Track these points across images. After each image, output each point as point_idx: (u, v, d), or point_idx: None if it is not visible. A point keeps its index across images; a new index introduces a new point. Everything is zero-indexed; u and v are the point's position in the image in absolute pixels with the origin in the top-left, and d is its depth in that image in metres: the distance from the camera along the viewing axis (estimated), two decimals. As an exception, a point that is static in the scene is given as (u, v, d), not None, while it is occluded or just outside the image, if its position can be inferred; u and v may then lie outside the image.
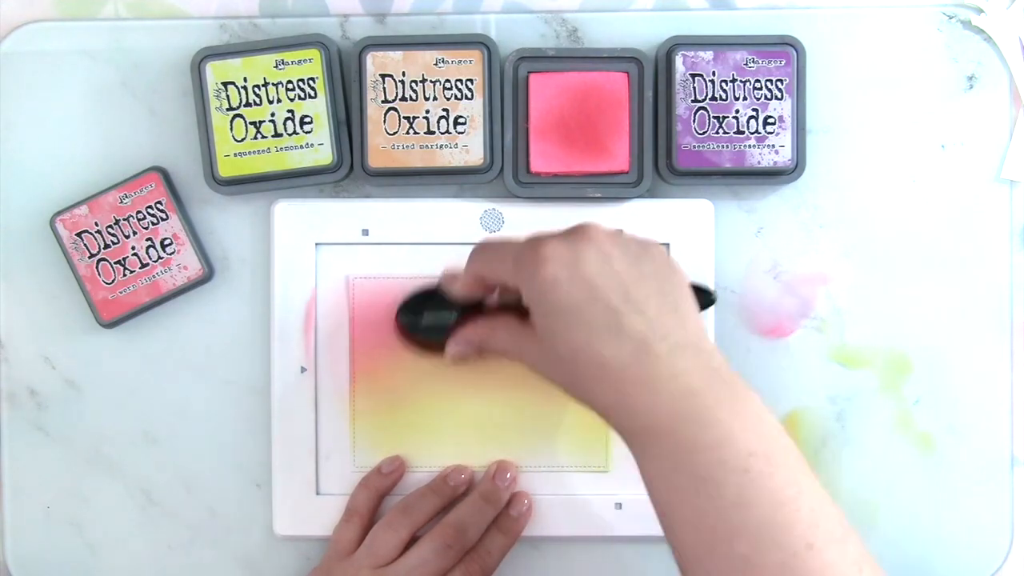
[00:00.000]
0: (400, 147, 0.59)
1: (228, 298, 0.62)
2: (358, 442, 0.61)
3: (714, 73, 0.59)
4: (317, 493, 0.61)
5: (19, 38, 0.62)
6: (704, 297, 0.53)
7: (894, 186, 0.62)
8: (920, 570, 0.62)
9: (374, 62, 0.59)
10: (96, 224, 0.60)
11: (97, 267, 0.60)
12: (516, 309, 0.52)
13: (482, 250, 0.53)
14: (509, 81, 0.60)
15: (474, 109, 0.59)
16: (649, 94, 0.60)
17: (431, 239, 0.61)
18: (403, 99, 0.59)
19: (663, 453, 0.46)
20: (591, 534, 0.61)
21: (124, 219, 0.60)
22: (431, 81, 0.59)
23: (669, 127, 0.60)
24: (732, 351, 0.62)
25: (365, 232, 0.61)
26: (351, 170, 0.60)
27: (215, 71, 0.59)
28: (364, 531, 0.59)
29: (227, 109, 0.59)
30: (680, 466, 0.45)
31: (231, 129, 0.59)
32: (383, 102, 0.59)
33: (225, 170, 0.59)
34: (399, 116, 0.59)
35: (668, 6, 0.62)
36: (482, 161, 0.59)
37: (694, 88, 0.59)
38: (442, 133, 0.59)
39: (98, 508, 0.62)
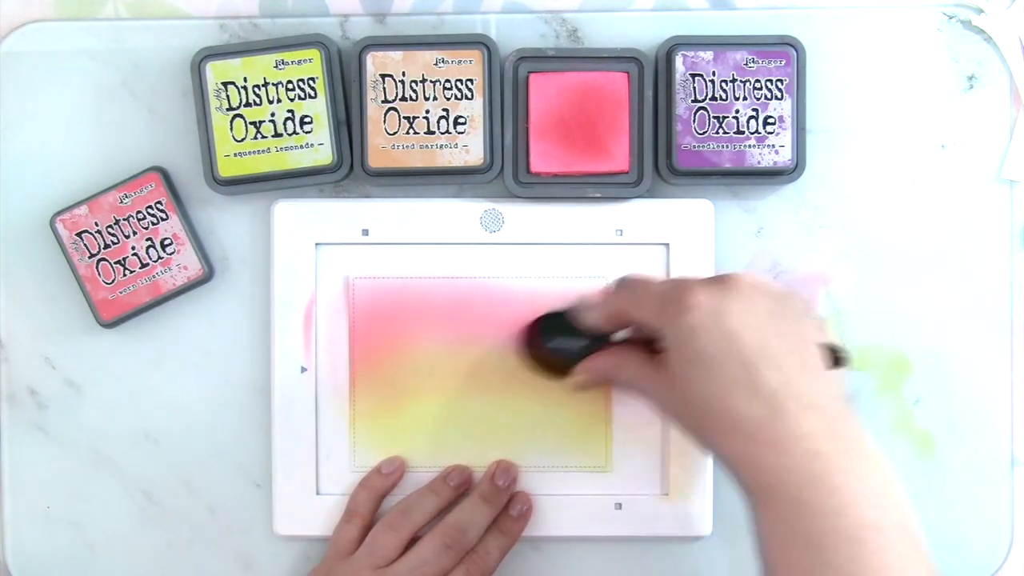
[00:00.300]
0: (400, 147, 0.59)
1: (228, 298, 0.62)
2: (358, 442, 0.61)
3: (714, 73, 0.59)
4: (317, 493, 0.61)
5: (19, 38, 0.62)
6: (838, 356, 0.52)
7: (894, 186, 0.62)
8: (920, 570, 0.62)
9: (374, 62, 0.59)
10: (96, 224, 0.60)
11: (97, 267, 0.60)
12: (645, 343, 0.53)
13: (626, 287, 0.53)
14: (509, 81, 0.60)
15: (474, 109, 0.59)
16: (649, 94, 0.60)
17: (431, 239, 0.61)
18: (403, 99, 0.59)
19: (781, 514, 0.46)
20: (591, 534, 0.61)
21: (124, 219, 0.60)
22: (431, 81, 0.59)
23: (669, 127, 0.60)
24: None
25: (365, 232, 0.61)
26: (351, 170, 0.60)
27: (215, 71, 0.59)
28: (364, 531, 0.59)
29: (227, 109, 0.59)
30: (796, 528, 0.45)
31: (231, 129, 0.59)
32: (383, 102, 0.59)
33: (225, 170, 0.59)
34: (399, 116, 0.59)
35: (668, 6, 0.62)
36: (482, 161, 0.59)
37: (694, 88, 0.59)
38: (442, 133, 0.59)
39: (98, 508, 0.62)
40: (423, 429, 0.61)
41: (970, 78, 0.62)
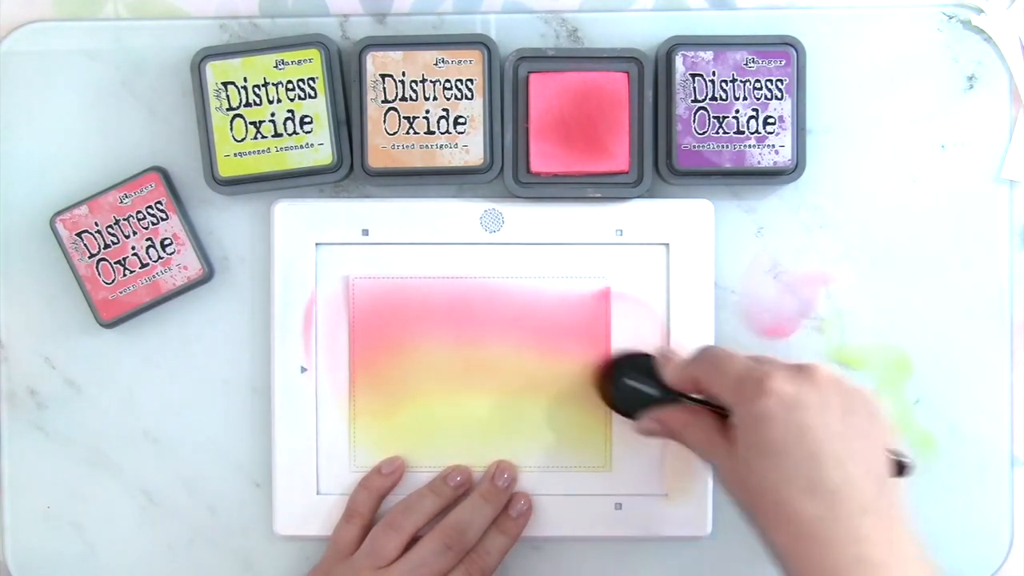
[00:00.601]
0: (400, 147, 0.59)
1: (228, 298, 0.62)
2: (358, 442, 0.61)
3: (714, 73, 0.59)
4: (317, 493, 0.61)
5: (19, 38, 0.62)
6: (902, 464, 0.51)
7: (894, 186, 0.62)
8: (920, 570, 0.62)
9: (374, 62, 0.59)
10: (96, 224, 0.60)
11: (97, 267, 0.60)
12: (718, 408, 0.53)
13: (707, 358, 0.53)
14: (509, 81, 0.60)
15: (474, 109, 0.59)
16: (649, 94, 0.60)
17: (431, 239, 0.61)
18: (403, 99, 0.59)
19: None
20: (591, 534, 0.61)
21: (124, 219, 0.60)
22: (431, 81, 0.59)
23: (669, 127, 0.60)
24: (732, 351, 0.62)
25: (365, 232, 0.61)
26: (351, 170, 0.60)
27: (215, 71, 0.59)
28: (364, 532, 0.59)
29: (227, 109, 0.59)
30: None
31: (231, 129, 0.59)
32: (383, 102, 0.59)
33: (225, 170, 0.59)
34: (399, 116, 0.59)
35: (668, 6, 0.62)
36: (482, 161, 0.59)
37: (694, 88, 0.59)
38: (442, 133, 0.59)
39: (98, 508, 0.62)
40: (423, 429, 0.61)
41: (970, 78, 0.62)
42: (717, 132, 0.59)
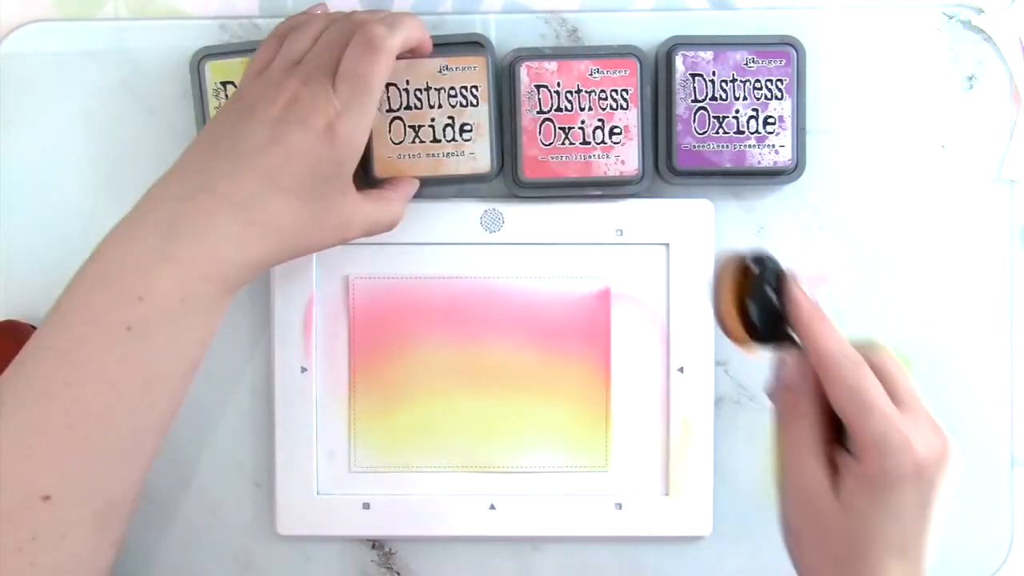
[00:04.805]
0: (406, 156, 0.59)
1: (228, 298, 0.62)
2: (358, 442, 0.61)
3: (714, 73, 0.59)
4: (317, 493, 0.61)
5: (19, 38, 0.62)
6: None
7: (894, 186, 0.62)
8: (920, 570, 0.62)
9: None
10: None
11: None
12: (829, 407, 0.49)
13: (853, 385, 0.47)
14: (506, 80, 0.60)
15: (480, 116, 0.59)
16: (649, 94, 0.60)
17: (431, 239, 0.61)
18: (407, 108, 0.59)
19: None
20: (591, 534, 0.61)
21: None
22: (435, 89, 0.59)
23: (669, 127, 0.60)
24: (732, 351, 0.61)
25: (365, 232, 0.61)
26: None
27: (215, 71, 0.59)
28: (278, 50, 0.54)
29: (227, 109, 0.59)
30: None
31: (231, 129, 0.59)
32: (388, 111, 0.59)
33: (225, 170, 0.59)
34: (404, 125, 0.59)
35: (668, 6, 0.62)
36: (489, 168, 0.59)
37: (694, 88, 0.59)
38: (448, 141, 0.59)
39: (98, 508, 0.62)
40: (423, 429, 0.61)
41: (970, 78, 0.62)
42: (717, 132, 0.59)
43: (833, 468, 0.49)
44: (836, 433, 0.49)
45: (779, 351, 0.50)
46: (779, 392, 0.51)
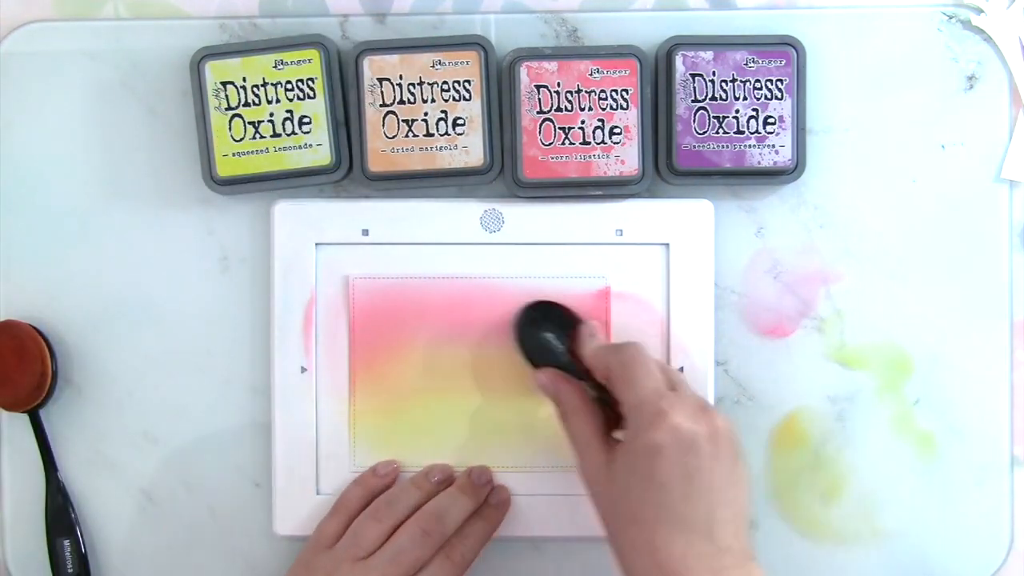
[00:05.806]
0: (400, 150, 0.59)
1: (228, 298, 0.62)
2: (358, 442, 0.61)
3: (714, 73, 0.59)
4: (317, 493, 0.61)
5: (19, 38, 0.62)
6: None
7: (894, 186, 0.62)
8: (920, 570, 0.62)
9: (371, 66, 0.59)
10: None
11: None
12: (612, 406, 0.54)
13: (624, 361, 0.54)
14: (506, 80, 0.60)
15: (473, 110, 0.59)
16: (649, 94, 0.60)
17: (431, 239, 0.61)
18: (401, 102, 0.59)
19: None
20: (591, 534, 0.61)
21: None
22: (428, 84, 0.59)
23: (669, 127, 0.59)
24: (732, 351, 0.62)
25: (365, 232, 0.61)
26: (350, 170, 0.60)
27: (214, 71, 0.59)
28: (347, 525, 0.59)
29: (226, 109, 0.59)
30: None
31: (230, 129, 0.59)
32: (381, 106, 0.59)
33: (224, 169, 0.59)
34: (398, 119, 0.59)
35: (668, 6, 0.62)
36: (482, 162, 0.59)
37: (694, 88, 0.59)
38: (441, 135, 0.59)
39: (98, 508, 0.62)
40: (423, 429, 0.61)
41: (970, 78, 0.62)
42: (717, 132, 0.59)
43: (611, 449, 0.53)
44: (617, 421, 0.54)
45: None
46: (555, 396, 0.57)
